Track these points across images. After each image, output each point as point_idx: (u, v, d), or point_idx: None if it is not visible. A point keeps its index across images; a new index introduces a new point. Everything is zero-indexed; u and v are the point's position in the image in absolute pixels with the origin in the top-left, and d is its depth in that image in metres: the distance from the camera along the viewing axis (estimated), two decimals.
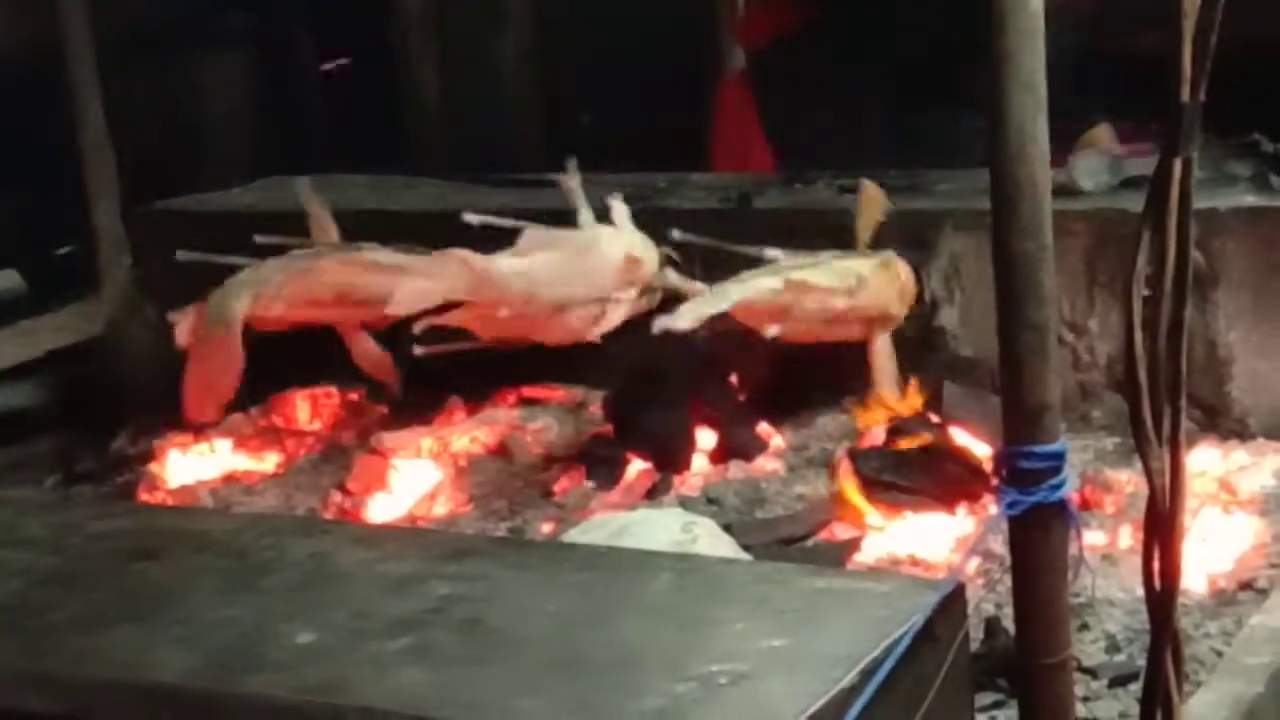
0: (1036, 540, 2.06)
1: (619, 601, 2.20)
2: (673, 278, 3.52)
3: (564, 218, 3.58)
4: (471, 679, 1.99)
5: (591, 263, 3.46)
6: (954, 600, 2.10)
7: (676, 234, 3.58)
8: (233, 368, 3.54)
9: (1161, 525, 2.02)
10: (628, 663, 2.00)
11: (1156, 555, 2.04)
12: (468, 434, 3.81)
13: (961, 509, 3.23)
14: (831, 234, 3.66)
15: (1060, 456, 2.04)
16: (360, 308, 3.63)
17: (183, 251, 3.50)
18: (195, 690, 2.04)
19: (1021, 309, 2.02)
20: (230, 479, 3.83)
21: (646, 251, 3.53)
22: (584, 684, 1.96)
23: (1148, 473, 2.01)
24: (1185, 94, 1.86)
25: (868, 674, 1.93)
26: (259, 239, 3.63)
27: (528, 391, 3.94)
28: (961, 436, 3.36)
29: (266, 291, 3.57)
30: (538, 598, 2.21)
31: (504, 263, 3.37)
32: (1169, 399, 1.99)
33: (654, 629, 2.10)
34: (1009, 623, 2.20)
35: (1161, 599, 2.04)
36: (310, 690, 2.00)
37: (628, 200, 3.89)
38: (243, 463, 3.92)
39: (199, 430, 3.96)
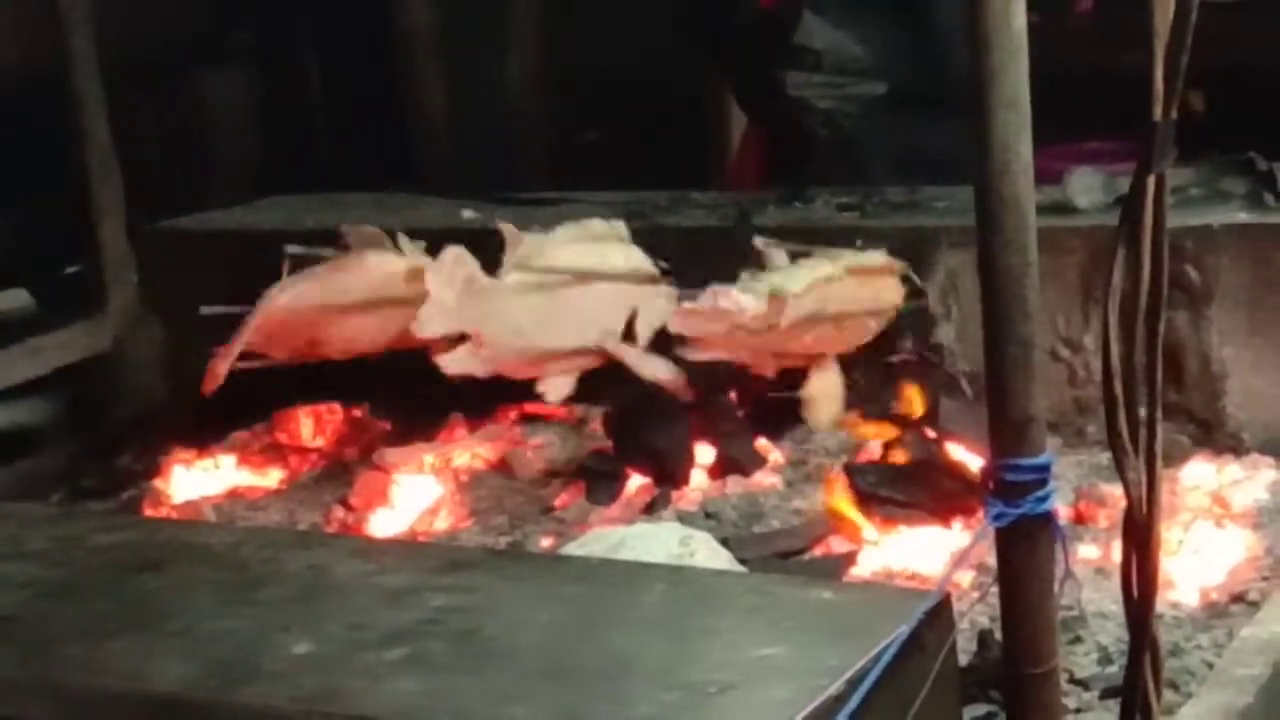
0: (1023, 552, 2.09)
1: (612, 612, 2.23)
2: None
3: None
4: (464, 688, 2.02)
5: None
6: (941, 611, 2.13)
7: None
8: (240, 340, 3.46)
9: (1139, 535, 2.05)
10: (618, 672, 2.03)
11: (1135, 564, 2.07)
12: (469, 450, 3.84)
13: (957, 523, 3.25)
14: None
15: (1045, 469, 2.07)
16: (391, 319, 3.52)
17: (206, 306, 3.49)
18: (193, 700, 2.07)
19: (1007, 323, 2.05)
20: (234, 494, 3.86)
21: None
22: (574, 693, 1.99)
23: (1124, 484, 2.04)
24: (1158, 112, 1.90)
25: (854, 683, 1.95)
26: (290, 249, 3.49)
27: (529, 408, 3.96)
28: (957, 451, 3.39)
29: (300, 289, 3.48)
30: (532, 609, 2.24)
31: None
32: (1146, 410, 2.01)
33: (645, 639, 2.13)
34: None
35: (1140, 607, 2.06)
36: (306, 700, 2.03)
37: (628, 219, 3.91)
38: (246, 478, 3.95)
39: (203, 447, 4.00)
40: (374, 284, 3.46)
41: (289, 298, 3.41)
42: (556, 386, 3.53)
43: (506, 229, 3.41)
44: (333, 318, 3.48)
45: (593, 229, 3.55)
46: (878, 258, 3.60)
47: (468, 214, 3.46)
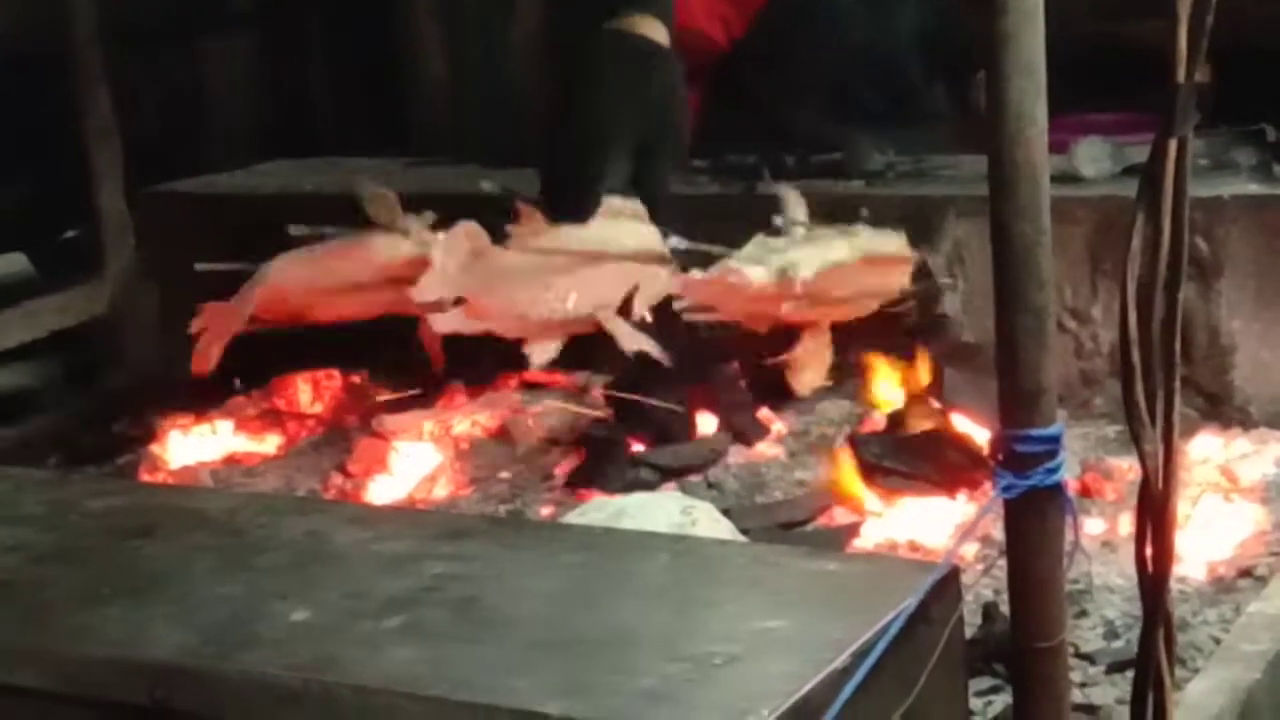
0: (1032, 524, 2.06)
1: (614, 582, 2.20)
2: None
3: None
4: (464, 658, 1.99)
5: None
6: (948, 583, 2.10)
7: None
8: (235, 323, 3.46)
9: (1155, 508, 2.02)
10: (621, 642, 2.00)
11: (1150, 538, 2.04)
12: (469, 417, 3.80)
13: (962, 495, 3.23)
14: (836, 219, 3.65)
15: (1056, 440, 2.04)
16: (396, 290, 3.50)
17: (201, 263, 3.46)
18: (188, 667, 2.04)
19: (1020, 292, 2.02)
20: (231, 460, 3.82)
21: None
22: (576, 663, 1.95)
23: (1141, 455, 2.01)
24: (1180, 74, 1.86)
25: (861, 655, 1.92)
26: (294, 230, 3.45)
27: (530, 375, 3.93)
28: (962, 422, 3.36)
29: (303, 264, 3.46)
30: (533, 578, 2.21)
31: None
32: (1163, 382, 1.98)
33: (648, 609, 2.10)
34: (1006, 608, 2.20)
35: (1154, 581, 2.04)
36: (303, 668, 1.99)
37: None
38: (243, 444, 3.91)
39: (200, 412, 3.98)
40: (373, 268, 3.45)
41: (280, 279, 3.39)
42: (542, 350, 3.51)
43: (524, 206, 3.39)
44: (325, 297, 3.46)
45: (610, 205, 3.53)
46: (894, 245, 3.56)
47: (487, 185, 3.44)
